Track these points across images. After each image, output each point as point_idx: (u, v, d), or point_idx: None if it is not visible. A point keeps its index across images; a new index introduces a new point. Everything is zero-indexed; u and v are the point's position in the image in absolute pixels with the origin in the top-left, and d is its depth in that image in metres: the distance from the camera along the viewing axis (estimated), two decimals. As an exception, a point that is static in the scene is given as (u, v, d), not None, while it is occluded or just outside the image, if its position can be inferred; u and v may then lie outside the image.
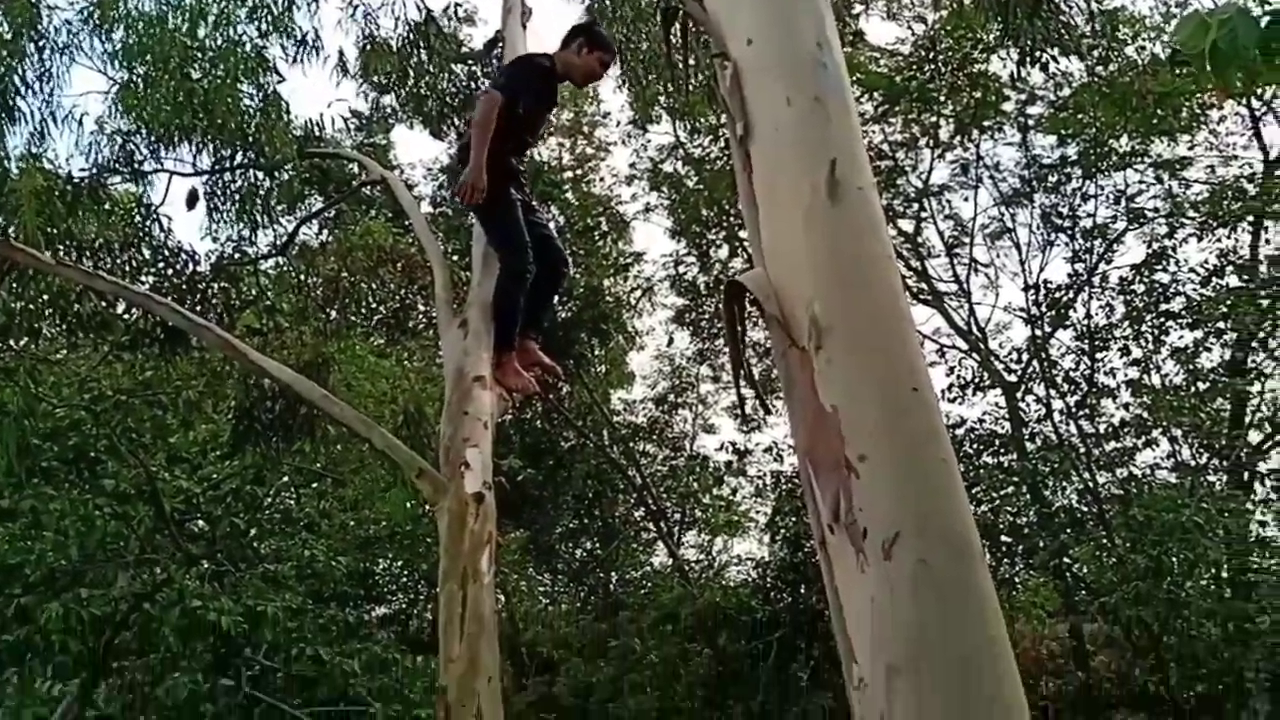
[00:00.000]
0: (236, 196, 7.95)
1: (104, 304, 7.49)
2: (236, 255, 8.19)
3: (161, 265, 7.86)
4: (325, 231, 10.93)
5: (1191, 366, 12.38)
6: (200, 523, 10.20)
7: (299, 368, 5.92)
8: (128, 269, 7.57)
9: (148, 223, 7.74)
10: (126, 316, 7.75)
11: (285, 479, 10.89)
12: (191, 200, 7.76)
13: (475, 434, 3.84)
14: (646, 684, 14.41)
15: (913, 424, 1.98)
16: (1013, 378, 13.32)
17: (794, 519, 14.50)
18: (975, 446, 12.97)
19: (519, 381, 4.23)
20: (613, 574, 20.86)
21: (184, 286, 7.67)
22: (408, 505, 10.75)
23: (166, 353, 7.49)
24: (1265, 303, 11.51)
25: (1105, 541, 11.40)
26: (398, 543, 12.06)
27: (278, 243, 8.39)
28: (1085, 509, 12.27)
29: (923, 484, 1.93)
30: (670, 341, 19.09)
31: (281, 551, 10.48)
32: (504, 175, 4.32)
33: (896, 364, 2.03)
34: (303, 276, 8.97)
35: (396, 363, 9.37)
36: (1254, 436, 12.31)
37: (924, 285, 14.11)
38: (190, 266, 7.91)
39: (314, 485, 11.31)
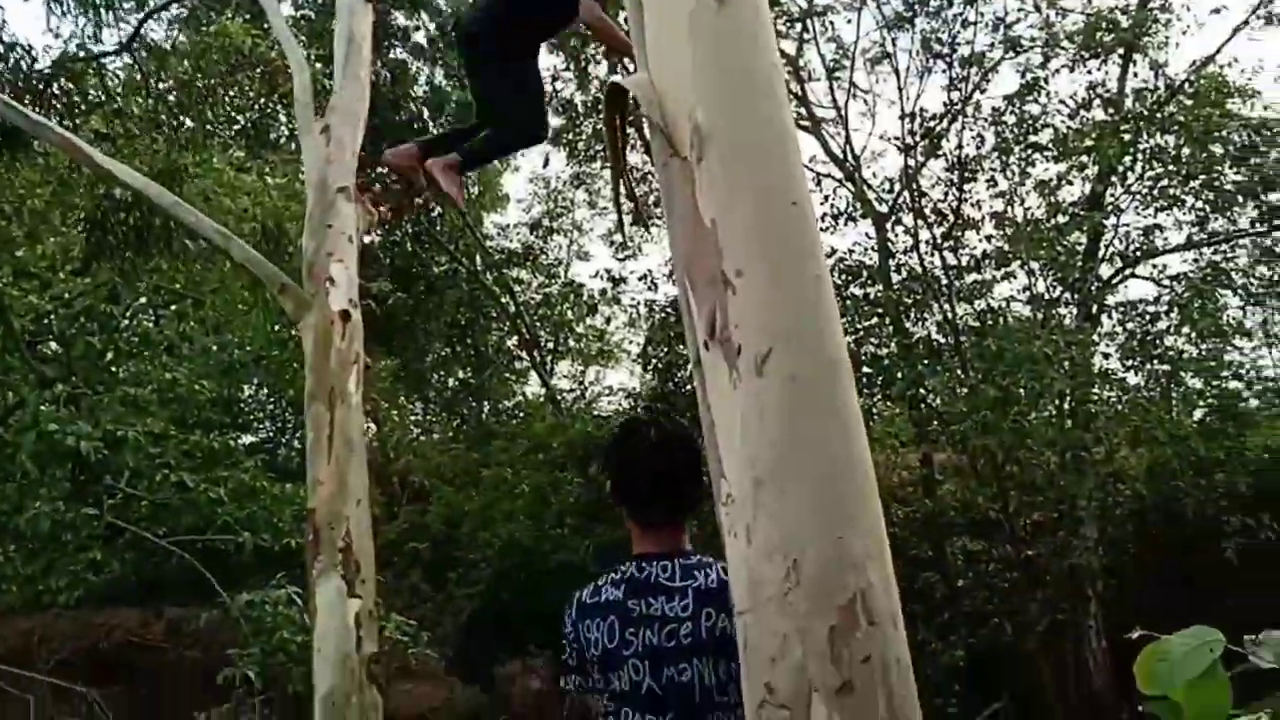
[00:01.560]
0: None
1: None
2: (80, 53, 7.60)
3: (-5, 60, 7.23)
4: (178, 31, 10.22)
5: (1053, 200, 12.74)
6: (53, 344, 9.75)
7: (152, 176, 5.56)
8: (-43, 64, 6.95)
9: (-21, 11, 7.09)
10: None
11: (143, 299, 10.45)
12: (29, -16, 7.13)
13: (340, 249, 3.68)
14: (518, 512, 14.65)
15: (790, 239, 1.93)
16: (883, 208, 13.52)
17: (666, 349, 14.67)
18: (844, 277, 13.21)
19: (452, 187, 4.02)
20: (485, 403, 20.95)
21: (20, 84, 7.08)
22: (273, 328, 10.46)
23: (4, 156, 6.96)
24: (1127, 136, 11.82)
25: (959, 373, 11.86)
26: (264, 368, 11.79)
27: (123, 41, 7.79)
28: (943, 340, 12.70)
29: (797, 300, 1.90)
30: (546, 163, 18.63)
31: (141, 375, 10.12)
32: (539, 27, 4.08)
33: (777, 177, 1.96)
34: (152, 79, 8.37)
35: (258, 177, 8.94)
36: (1105, 270, 12.81)
37: (803, 110, 14.07)
38: (29, 63, 7.31)
39: (173, 307, 10.88)
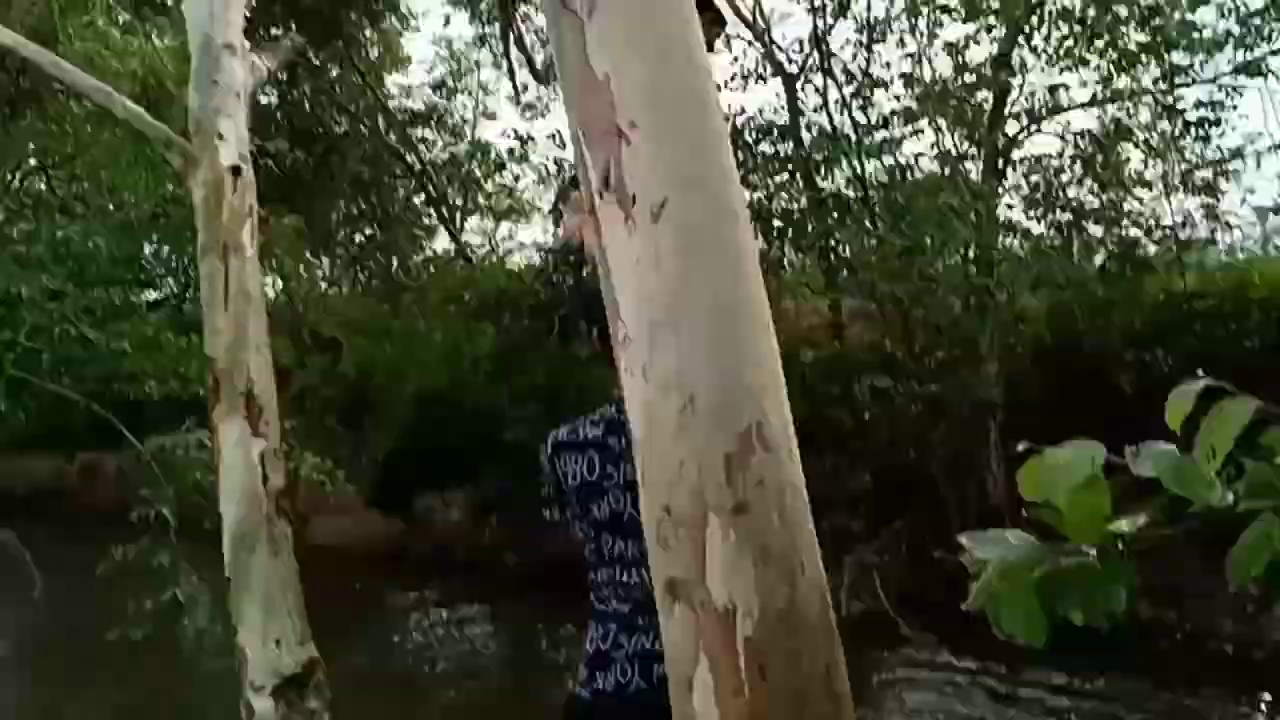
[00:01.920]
0: None
1: None
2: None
3: None
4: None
5: (961, 60, 12.73)
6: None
7: (30, 37, 5.28)
8: None
9: None
10: None
11: (33, 161, 10.09)
12: None
13: (227, 105, 3.57)
14: (432, 361, 14.65)
15: (685, 91, 1.95)
16: (793, 68, 13.43)
17: (576, 205, 14.57)
18: (755, 135, 13.18)
19: (571, 227, 3.93)
20: (393, 259, 20.71)
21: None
22: (167, 188, 10.16)
23: None
24: (1033, -2, 11.80)
25: (868, 224, 12.02)
26: (162, 226, 11.51)
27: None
28: (853, 195, 12.80)
29: (693, 150, 1.92)
30: (447, 23, 18.06)
31: (33, 235, 9.84)
32: None
33: (670, 29, 1.96)
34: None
35: (145, 40, 8.53)
36: (1011, 127, 12.93)
37: (713, -32, 13.75)
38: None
39: (65, 169, 10.51)
